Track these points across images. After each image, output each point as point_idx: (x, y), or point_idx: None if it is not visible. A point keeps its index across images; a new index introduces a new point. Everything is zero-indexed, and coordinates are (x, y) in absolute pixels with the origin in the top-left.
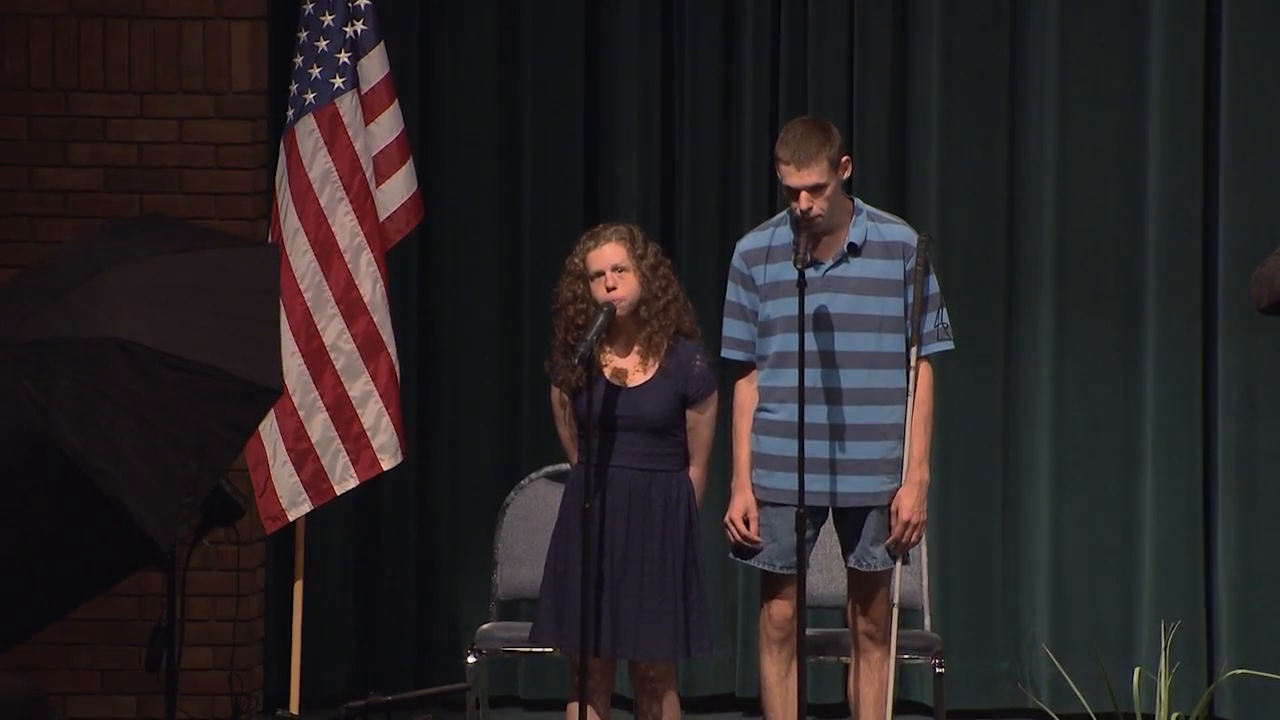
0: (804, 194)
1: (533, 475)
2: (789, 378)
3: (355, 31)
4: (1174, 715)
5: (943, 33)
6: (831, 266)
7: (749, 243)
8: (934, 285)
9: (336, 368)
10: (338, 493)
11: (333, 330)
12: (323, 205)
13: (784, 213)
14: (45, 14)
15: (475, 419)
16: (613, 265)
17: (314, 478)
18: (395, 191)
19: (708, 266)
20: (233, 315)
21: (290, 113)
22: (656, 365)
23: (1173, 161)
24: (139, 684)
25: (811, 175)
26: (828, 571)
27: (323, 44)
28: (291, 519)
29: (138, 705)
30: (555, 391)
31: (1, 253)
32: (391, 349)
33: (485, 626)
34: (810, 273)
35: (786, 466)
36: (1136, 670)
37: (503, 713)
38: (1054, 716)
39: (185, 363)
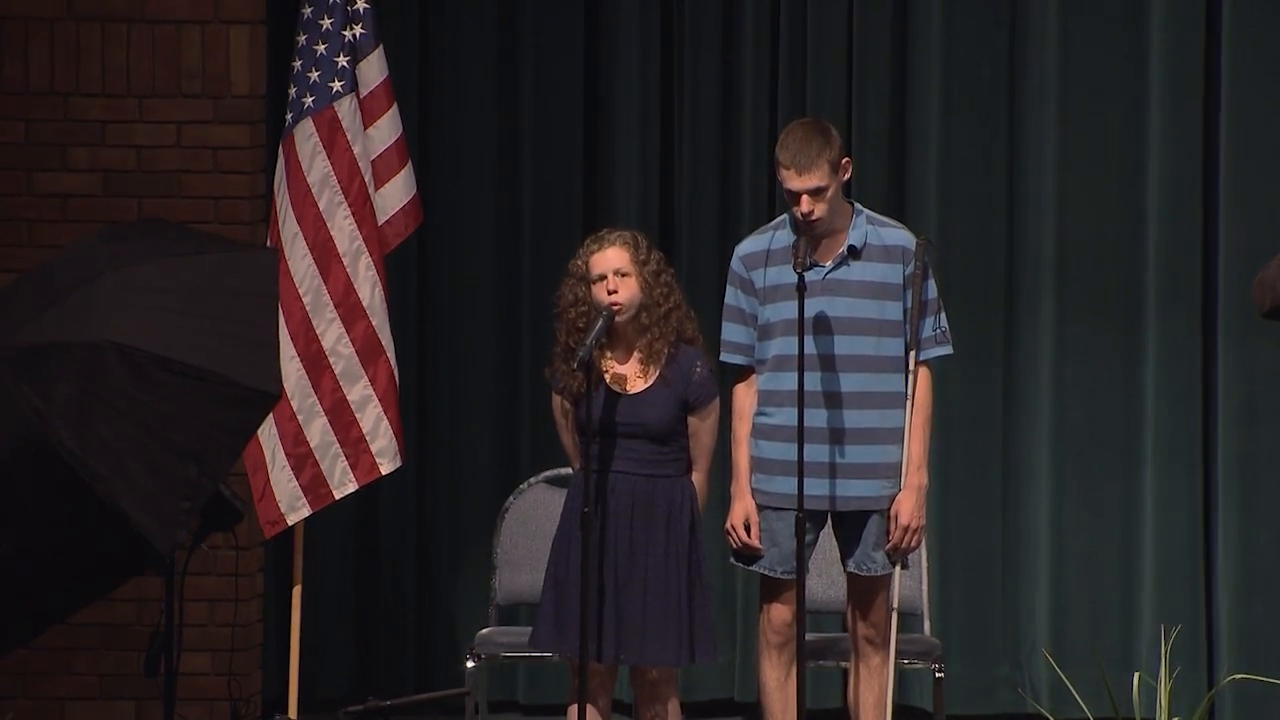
0: (805, 197)
1: (532, 480)
2: (788, 381)
3: (354, 35)
4: None
5: (942, 34)
6: (831, 270)
7: (748, 246)
8: (933, 289)
9: (335, 372)
10: (336, 497)
11: (332, 334)
12: (321, 209)
13: (783, 216)
14: (44, 17)
15: (474, 423)
16: (615, 269)
17: (313, 482)
18: (394, 195)
19: (707, 269)
20: (232, 319)
21: (289, 117)
22: (657, 372)
23: (1173, 163)
24: (138, 689)
25: (812, 178)
26: (827, 576)
27: (321, 48)
28: (290, 523)
29: (136, 710)
30: (557, 399)
31: (0, 257)
32: (390, 353)
33: (484, 631)
34: (810, 276)
35: (786, 471)
36: (1137, 675)
37: (502, 717)
38: None
39: (184, 367)
